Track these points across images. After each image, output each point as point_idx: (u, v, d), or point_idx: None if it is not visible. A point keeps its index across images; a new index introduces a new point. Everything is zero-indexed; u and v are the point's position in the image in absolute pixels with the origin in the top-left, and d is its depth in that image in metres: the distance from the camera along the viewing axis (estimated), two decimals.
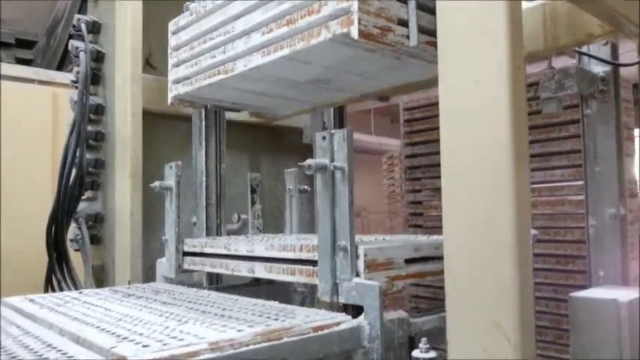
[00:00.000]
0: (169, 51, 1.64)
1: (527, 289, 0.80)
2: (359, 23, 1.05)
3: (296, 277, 1.21)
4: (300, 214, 1.93)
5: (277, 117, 1.94)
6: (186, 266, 1.58)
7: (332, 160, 1.10)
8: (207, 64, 1.47)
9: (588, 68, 1.64)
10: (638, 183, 2.59)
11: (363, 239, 1.39)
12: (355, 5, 1.06)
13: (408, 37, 1.14)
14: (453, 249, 0.86)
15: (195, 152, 1.84)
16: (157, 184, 1.55)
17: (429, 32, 1.14)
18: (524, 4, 1.42)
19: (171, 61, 1.63)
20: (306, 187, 1.91)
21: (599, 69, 1.67)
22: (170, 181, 1.56)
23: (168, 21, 1.64)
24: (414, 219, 2.83)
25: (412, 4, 1.13)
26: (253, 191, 1.90)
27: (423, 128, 2.77)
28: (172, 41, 1.63)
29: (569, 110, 2.08)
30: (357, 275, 1.07)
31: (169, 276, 1.59)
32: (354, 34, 1.06)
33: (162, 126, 1.94)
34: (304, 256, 1.19)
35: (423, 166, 2.78)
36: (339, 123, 2.27)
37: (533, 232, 1.39)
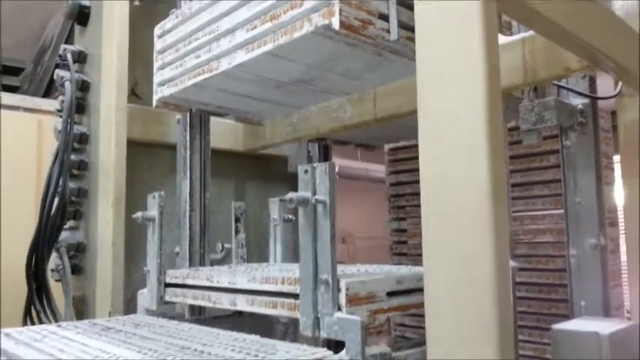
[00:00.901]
0: (155, 55, 1.65)
1: (507, 326, 0.80)
2: (340, 14, 1.08)
3: (278, 310, 1.20)
4: (284, 243, 1.92)
5: (262, 122, 1.96)
6: (167, 298, 1.56)
7: (314, 193, 1.11)
8: (192, 64, 1.49)
9: (567, 100, 1.68)
10: (618, 211, 2.63)
11: (345, 271, 1.39)
12: None
13: (388, 31, 1.18)
14: (433, 286, 0.87)
15: (179, 181, 1.84)
16: (139, 214, 1.54)
17: (408, 28, 1.17)
18: (505, 39, 1.46)
19: (156, 65, 1.65)
20: (290, 216, 1.91)
21: (577, 101, 1.70)
22: (153, 211, 1.55)
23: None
24: (399, 247, 2.83)
25: None
26: (237, 220, 1.90)
27: (407, 157, 2.80)
28: (158, 45, 1.64)
29: (549, 140, 2.11)
30: (339, 309, 1.07)
31: (151, 308, 1.57)
32: (336, 24, 1.09)
33: (146, 155, 1.94)
34: (286, 289, 1.19)
35: (408, 194, 2.79)
36: (324, 152, 2.29)
37: (514, 264, 1.40)
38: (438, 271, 0.86)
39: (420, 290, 1.19)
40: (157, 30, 1.65)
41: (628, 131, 1.61)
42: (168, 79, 1.58)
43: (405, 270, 1.39)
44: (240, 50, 1.33)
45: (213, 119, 1.90)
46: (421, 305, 1.11)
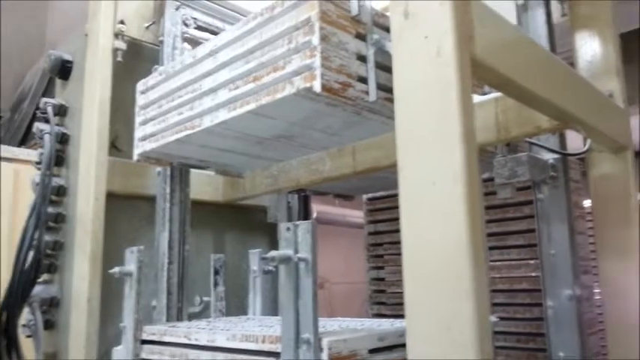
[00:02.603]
0: (137, 110, 1.68)
1: None
2: (321, 78, 1.13)
3: None
4: (264, 295, 1.91)
5: (242, 174, 1.99)
6: (144, 355, 1.52)
7: (296, 251, 1.12)
8: (174, 121, 1.52)
9: (539, 155, 1.73)
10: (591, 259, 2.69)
11: (326, 326, 1.39)
12: (318, 62, 1.13)
13: (367, 92, 1.23)
14: (416, 347, 0.87)
15: (157, 233, 1.83)
16: (117, 270, 1.52)
17: (386, 89, 1.22)
18: (478, 98, 1.52)
19: (138, 119, 1.67)
20: (270, 267, 1.90)
21: (549, 156, 1.76)
22: (131, 266, 1.53)
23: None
24: (378, 296, 2.83)
25: (371, 63, 1.23)
26: (216, 273, 1.88)
27: (385, 207, 2.83)
28: (140, 100, 1.67)
29: (523, 192, 2.17)
30: None
31: None
32: (317, 88, 1.13)
33: (125, 207, 1.93)
34: (267, 347, 1.18)
35: (386, 243, 2.81)
36: (304, 203, 2.30)
37: (494, 319, 1.42)
38: (420, 333, 0.87)
39: (403, 346, 1.19)
40: (140, 86, 1.67)
41: (597, 185, 1.67)
42: (150, 134, 1.60)
43: (386, 325, 1.40)
44: (223, 109, 1.35)
45: (193, 170, 1.91)
46: None
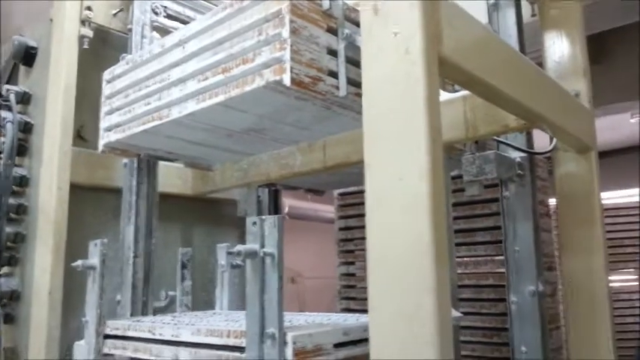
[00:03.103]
0: (103, 99, 1.63)
1: None
2: (291, 71, 1.12)
3: None
4: (231, 289, 1.89)
5: (211, 167, 1.96)
6: (106, 350, 1.49)
7: (262, 246, 1.11)
8: (141, 111, 1.48)
9: (507, 154, 1.76)
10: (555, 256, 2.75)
11: (292, 321, 1.38)
12: (288, 55, 1.12)
13: (337, 87, 1.22)
14: (378, 341, 0.88)
15: (123, 227, 1.79)
16: (79, 262, 1.49)
17: (357, 84, 1.21)
18: (447, 95, 1.53)
19: (104, 109, 1.62)
20: (238, 261, 1.88)
21: (516, 154, 1.78)
22: (94, 259, 1.50)
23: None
24: (347, 291, 2.84)
25: (342, 58, 1.22)
26: (184, 267, 1.86)
27: (356, 202, 2.84)
28: (106, 90, 1.63)
29: (491, 189, 2.20)
30: None
31: None
32: (287, 81, 1.11)
33: (90, 199, 1.89)
34: (231, 342, 1.17)
35: (356, 238, 2.82)
36: (274, 197, 2.29)
37: (458, 314, 1.44)
38: (382, 327, 0.88)
39: (367, 340, 1.19)
40: (107, 75, 1.63)
41: (562, 183, 1.70)
42: (116, 125, 1.56)
43: (352, 320, 1.40)
44: (192, 100, 1.33)
45: (161, 162, 1.88)
46: (368, 356, 1.12)
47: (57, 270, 1.70)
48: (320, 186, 2.39)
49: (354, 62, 1.23)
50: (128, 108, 1.53)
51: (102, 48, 1.96)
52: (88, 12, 1.85)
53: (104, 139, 1.61)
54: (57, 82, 1.76)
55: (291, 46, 1.12)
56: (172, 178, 2.09)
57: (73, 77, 1.77)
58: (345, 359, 1.17)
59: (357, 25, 1.25)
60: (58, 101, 1.73)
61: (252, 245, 1.11)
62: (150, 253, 1.78)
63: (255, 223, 1.13)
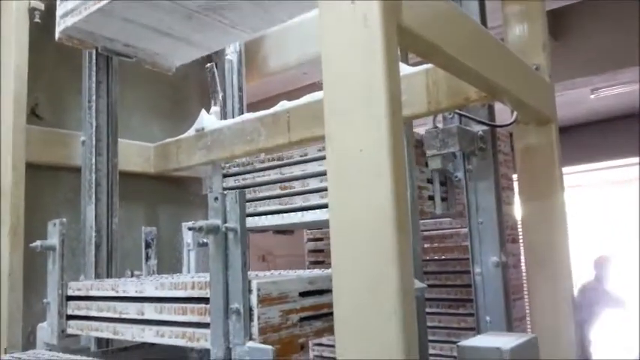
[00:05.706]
0: None
1: (412, 351, 0.83)
2: None
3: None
4: (198, 269, 1.88)
5: (172, 68, 1.91)
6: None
7: (224, 221, 1.10)
8: None
9: (469, 127, 1.78)
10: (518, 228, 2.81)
11: (259, 274, 1.38)
12: None
13: None
14: (341, 310, 0.88)
15: (84, 206, 1.75)
16: (38, 243, 1.45)
17: None
18: (409, 69, 1.53)
19: None
20: (205, 240, 1.87)
21: (478, 128, 1.80)
22: (53, 239, 1.46)
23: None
24: (316, 267, 2.85)
25: None
26: (148, 246, 1.83)
27: None
28: None
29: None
30: (252, 339, 1.06)
31: (51, 342, 1.48)
32: None
33: (48, 179, 1.83)
34: (196, 294, 1.16)
35: None
36: None
37: (422, 285, 1.46)
38: (346, 296, 0.88)
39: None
40: None
41: (523, 156, 1.73)
42: (72, 9, 1.53)
43: (317, 272, 1.40)
44: None
45: (121, 141, 1.83)
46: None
47: (16, 251, 1.66)
48: (288, 227, 2.37)
49: None
50: None
51: (55, 21, 1.88)
52: None
53: (60, 26, 1.57)
54: (7, 58, 1.69)
55: None
56: (133, 156, 2.05)
57: (24, 53, 1.70)
58: (311, 306, 1.16)
59: None
60: (9, 78, 1.67)
61: (213, 220, 1.10)
62: (112, 232, 1.75)
63: (216, 198, 1.11)
